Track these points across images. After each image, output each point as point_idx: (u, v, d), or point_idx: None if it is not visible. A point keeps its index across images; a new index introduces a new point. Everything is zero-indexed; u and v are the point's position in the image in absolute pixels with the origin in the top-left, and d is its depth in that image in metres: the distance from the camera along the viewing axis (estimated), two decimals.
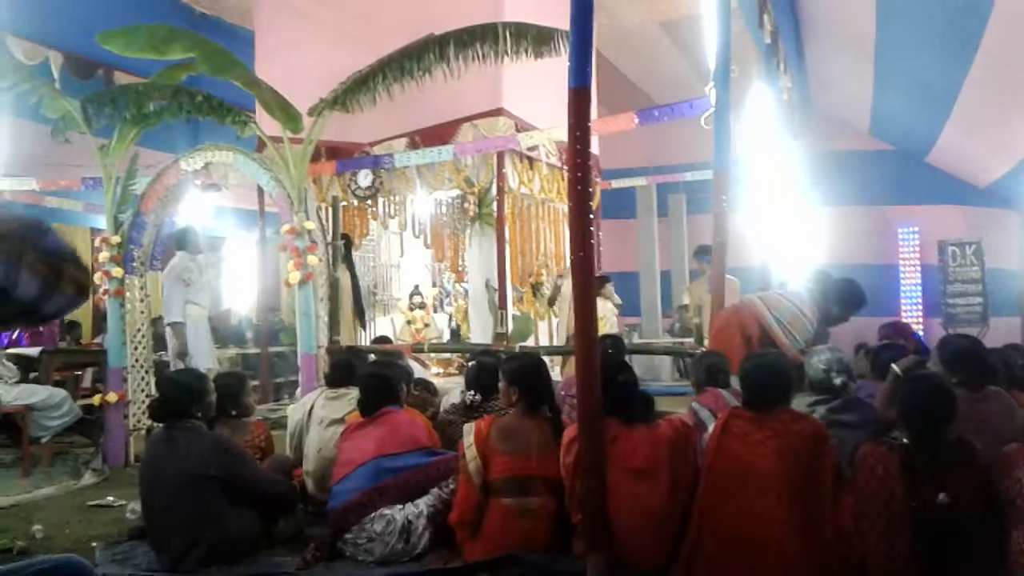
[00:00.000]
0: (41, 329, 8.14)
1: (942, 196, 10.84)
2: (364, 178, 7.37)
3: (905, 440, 2.66)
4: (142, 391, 5.80)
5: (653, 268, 10.66)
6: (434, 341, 8.04)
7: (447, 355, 7.55)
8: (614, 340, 5.07)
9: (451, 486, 3.44)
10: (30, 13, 7.20)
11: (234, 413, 4.02)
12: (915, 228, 11.31)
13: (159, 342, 6.76)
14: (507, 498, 3.19)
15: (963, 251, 10.88)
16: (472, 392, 4.08)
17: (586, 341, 2.82)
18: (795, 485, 2.74)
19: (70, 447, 5.90)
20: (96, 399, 5.75)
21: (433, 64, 5.63)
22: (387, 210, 7.97)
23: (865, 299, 4.40)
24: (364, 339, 7.54)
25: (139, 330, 5.85)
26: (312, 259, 5.45)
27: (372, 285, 9.13)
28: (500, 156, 6.86)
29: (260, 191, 7.52)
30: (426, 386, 4.80)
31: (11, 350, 6.28)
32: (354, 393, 3.88)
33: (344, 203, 7.51)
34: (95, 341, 8.85)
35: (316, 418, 4.08)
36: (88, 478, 5.17)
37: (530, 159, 7.39)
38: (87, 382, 7.34)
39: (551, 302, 7.80)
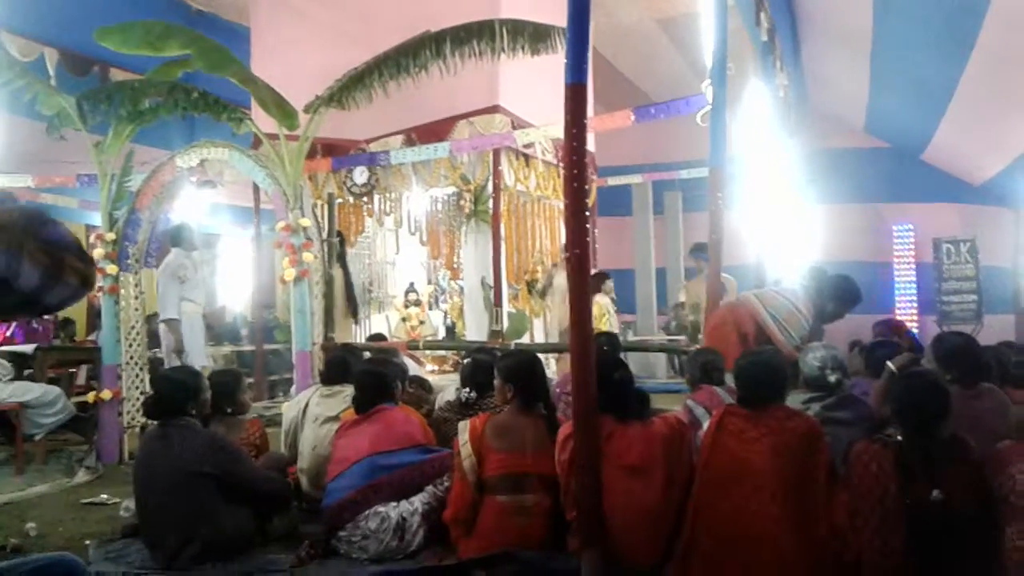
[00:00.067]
0: (35, 326, 8.12)
1: (937, 194, 10.87)
2: (360, 175, 7.37)
3: (899, 437, 2.66)
4: (136, 388, 5.78)
5: (649, 265, 10.66)
6: (429, 338, 8.03)
7: (442, 352, 7.54)
8: (609, 337, 5.08)
9: (446, 483, 3.43)
10: (25, 9, 7.18)
11: (230, 411, 4.00)
12: (910, 225, 11.34)
13: (153, 339, 6.74)
14: (502, 495, 3.19)
15: (958, 248, 10.92)
16: (467, 389, 4.08)
17: (581, 338, 2.82)
18: (790, 482, 2.75)
19: (64, 445, 5.88)
20: (90, 396, 5.74)
21: (429, 61, 5.62)
22: (383, 207, 7.97)
23: (860, 296, 4.41)
24: (357, 336, 7.53)
25: (133, 327, 5.83)
26: (307, 256, 5.44)
27: (368, 282, 9.12)
28: (496, 153, 6.86)
29: (256, 188, 7.51)
30: (421, 383, 4.79)
31: (5, 347, 6.25)
32: (349, 390, 3.88)
33: (340, 200, 7.50)
34: (89, 338, 8.82)
35: (311, 415, 4.07)
36: (82, 476, 5.15)
37: (526, 156, 7.39)
38: (81, 379, 7.32)
39: (543, 293, 7.78)
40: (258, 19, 7.95)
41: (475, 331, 7.31)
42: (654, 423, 3.11)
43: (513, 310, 7.39)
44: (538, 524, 3.16)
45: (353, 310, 7.36)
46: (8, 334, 7.29)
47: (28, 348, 6.08)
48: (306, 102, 5.83)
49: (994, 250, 10.82)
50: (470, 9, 6.10)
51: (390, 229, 8.97)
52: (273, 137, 5.74)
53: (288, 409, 4.42)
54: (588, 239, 2.90)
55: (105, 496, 4.60)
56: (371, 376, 3.81)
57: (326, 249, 5.81)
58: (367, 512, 3.36)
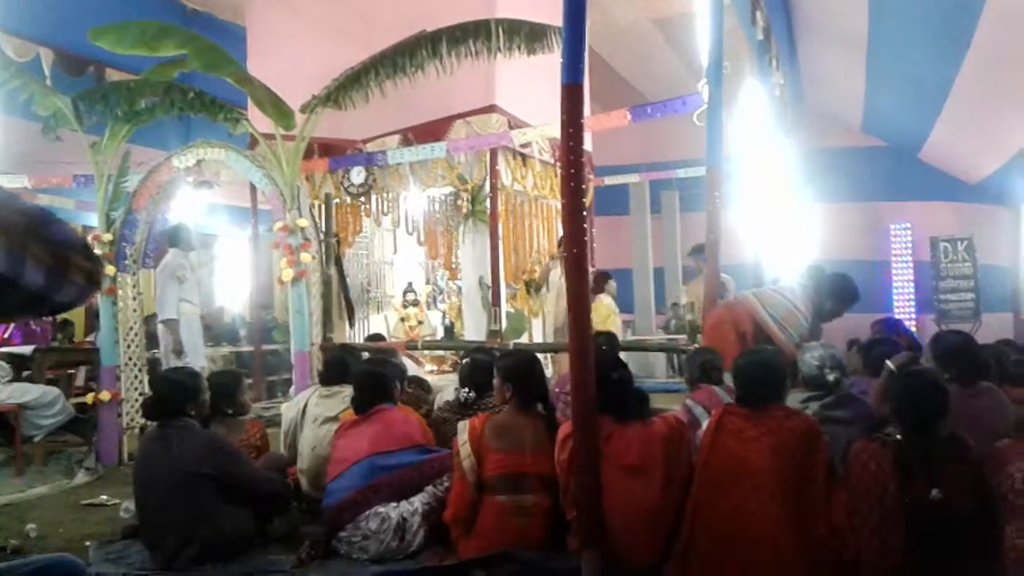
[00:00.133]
0: (34, 327, 8.11)
1: (934, 192, 10.90)
2: (357, 175, 7.35)
3: (898, 436, 2.67)
4: (135, 389, 5.78)
5: (646, 265, 10.67)
6: (428, 338, 8.02)
7: (441, 352, 7.53)
8: (608, 337, 5.07)
9: (445, 484, 3.43)
10: (20, 10, 7.14)
11: (230, 412, 4.01)
12: (907, 224, 11.37)
13: (151, 340, 6.74)
14: (501, 495, 3.19)
15: (955, 247, 10.94)
16: (466, 389, 4.07)
17: (580, 338, 2.82)
18: (788, 482, 2.75)
19: (63, 446, 5.88)
20: (89, 398, 5.73)
21: (426, 61, 5.61)
22: (380, 207, 7.95)
23: (858, 294, 4.42)
24: (353, 337, 7.52)
25: (132, 328, 5.82)
26: (305, 256, 5.43)
27: (365, 282, 9.11)
28: (493, 153, 6.85)
29: (252, 188, 7.49)
30: (420, 384, 4.79)
31: (3, 348, 6.24)
32: (348, 391, 3.87)
33: (337, 200, 7.49)
34: (88, 339, 8.80)
35: (310, 416, 4.07)
36: (81, 477, 5.15)
37: (523, 156, 7.38)
38: (80, 381, 7.30)
39: (538, 288, 7.76)
40: (254, 18, 7.93)
41: (473, 331, 7.30)
42: (653, 423, 3.12)
43: (511, 310, 7.39)
44: (537, 524, 3.16)
45: (348, 313, 7.36)
46: (6, 335, 7.28)
47: (27, 349, 6.07)
48: (302, 102, 5.82)
49: (991, 248, 10.84)
50: (466, 8, 6.09)
51: (388, 229, 8.97)
52: (270, 137, 5.73)
53: (287, 410, 4.42)
54: (585, 238, 2.90)
55: (105, 497, 4.59)
56: (370, 376, 3.81)
57: (323, 249, 5.81)
58: (367, 513, 3.36)
